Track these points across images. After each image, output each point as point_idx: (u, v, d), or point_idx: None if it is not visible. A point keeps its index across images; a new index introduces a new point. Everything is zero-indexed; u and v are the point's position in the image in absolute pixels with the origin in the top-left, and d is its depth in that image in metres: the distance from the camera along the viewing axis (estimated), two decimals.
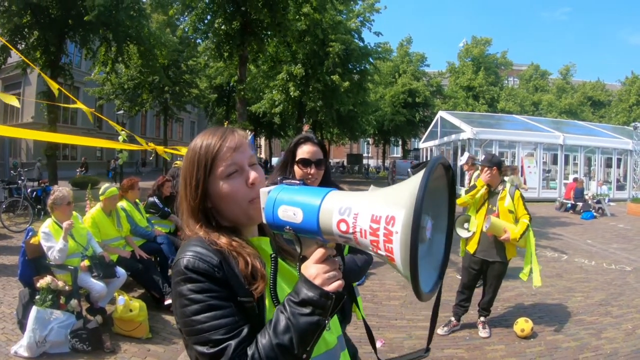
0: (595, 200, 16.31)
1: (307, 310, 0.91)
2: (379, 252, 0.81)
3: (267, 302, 1.04)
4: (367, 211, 0.82)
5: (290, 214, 0.92)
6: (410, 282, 0.76)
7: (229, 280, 1.00)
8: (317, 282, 0.92)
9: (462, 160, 8.44)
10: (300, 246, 0.96)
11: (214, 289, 0.99)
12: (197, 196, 1.11)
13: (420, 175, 0.78)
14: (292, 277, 1.15)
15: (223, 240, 1.06)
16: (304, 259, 0.97)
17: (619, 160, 22.61)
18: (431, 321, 1.02)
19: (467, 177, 8.06)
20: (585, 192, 16.80)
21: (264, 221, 0.98)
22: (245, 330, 0.97)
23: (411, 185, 0.79)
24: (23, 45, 15.87)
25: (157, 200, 6.46)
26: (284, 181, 1.00)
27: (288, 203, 0.93)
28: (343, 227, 0.85)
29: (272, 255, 1.06)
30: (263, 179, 1.17)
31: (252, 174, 1.13)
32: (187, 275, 0.99)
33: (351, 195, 0.89)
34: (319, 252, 0.95)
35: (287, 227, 0.93)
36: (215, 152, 1.11)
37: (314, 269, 0.94)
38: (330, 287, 0.92)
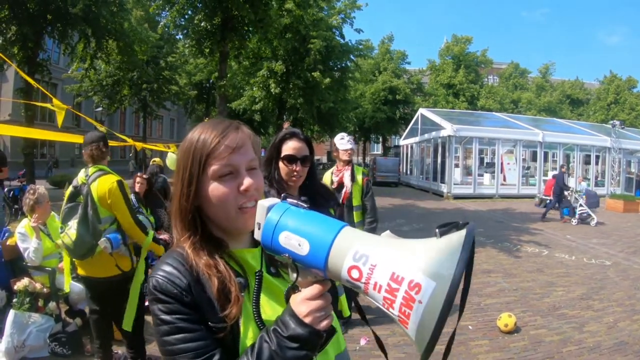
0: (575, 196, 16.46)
1: (294, 345, 0.85)
2: (391, 310, 0.74)
3: (241, 327, 0.96)
4: (388, 266, 0.75)
5: (294, 244, 0.82)
6: (421, 355, 0.71)
7: (198, 305, 0.95)
8: (307, 320, 0.85)
9: (343, 145, 4.66)
10: (297, 275, 0.87)
11: (182, 311, 0.94)
12: (190, 194, 1.01)
13: (454, 243, 0.71)
14: (278, 292, 1.04)
15: (202, 261, 0.98)
16: (295, 287, 0.90)
17: (597, 157, 23.01)
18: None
19: (334, 170, 4.86)
20: None
21: (258, 239, 0.89)
22: (216, 356, 0.92)
23: (442, 252, 0.72)
24: (0, 41, 15.54)
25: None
26: (287, 199, 0.90)
27: (293, 231, 0.83)
28: (355, 274, 0.77)
29: (257, 273, 1.01)
30: (261, 186, 1.07)
31: (247, 180, 1.01)
32: (156, 296, 0.95)
33: (367, 240, 0.80)
34: (315, 289, 0.87)
35: (287, 255, 0.84)
36: (212, 148, 1.00)
37: (305, 306, 0.86)
38: (321, 325, 0.86)
